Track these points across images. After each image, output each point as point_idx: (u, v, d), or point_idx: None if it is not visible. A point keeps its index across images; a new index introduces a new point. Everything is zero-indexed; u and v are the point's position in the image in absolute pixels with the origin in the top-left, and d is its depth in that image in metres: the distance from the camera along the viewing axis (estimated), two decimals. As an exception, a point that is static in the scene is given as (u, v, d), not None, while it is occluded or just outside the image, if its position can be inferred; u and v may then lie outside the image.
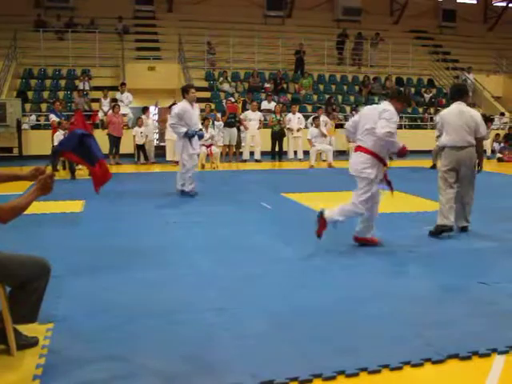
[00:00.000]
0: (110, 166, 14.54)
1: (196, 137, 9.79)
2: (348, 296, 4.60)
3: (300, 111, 19.60)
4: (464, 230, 7.05)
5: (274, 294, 4.66)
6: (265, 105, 19.14)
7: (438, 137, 7.24)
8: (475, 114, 7.12)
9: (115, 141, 15.77)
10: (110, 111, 16.39)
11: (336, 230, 6.12)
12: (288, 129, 17.26)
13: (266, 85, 21.42)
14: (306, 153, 16.05)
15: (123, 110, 18.36)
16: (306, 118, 18.14)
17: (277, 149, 17.30)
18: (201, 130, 10.33)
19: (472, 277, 5.12)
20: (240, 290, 4.77)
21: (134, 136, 16.18)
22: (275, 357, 3.50)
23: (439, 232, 6.79)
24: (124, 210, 8.58)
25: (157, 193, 10.48)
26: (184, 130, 9.61)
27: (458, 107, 7.01)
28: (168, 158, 15.73)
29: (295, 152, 17.42)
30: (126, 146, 16.41)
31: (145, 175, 13.85)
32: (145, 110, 17.16)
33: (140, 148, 16.33)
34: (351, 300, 4.51)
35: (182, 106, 9.82)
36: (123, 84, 18.83)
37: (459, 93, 7.23)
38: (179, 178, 9.95)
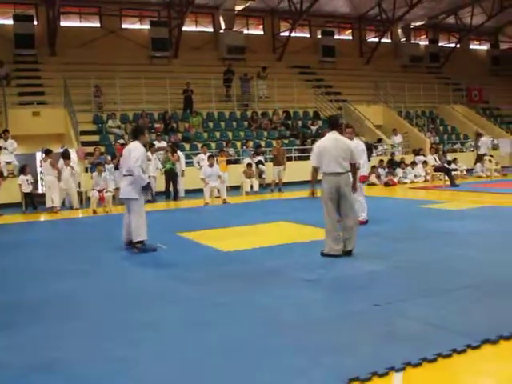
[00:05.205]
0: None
1: None
2: (248, 331, 4.60)
3: (191, 149, 19.95)
4: (348, 253, 7.30)
5: (175, 336, 4.58)
6: (156, 145, 19.04)
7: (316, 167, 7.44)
8: (349, 142, 7.72)
9: None
10: None
11: (237, 267, 6.11)
12: None
13: (156, 125, 21.35)
14: (200, 190, 16.05)
15: (7, 157, 17.65)
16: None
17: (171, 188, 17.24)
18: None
19: (366, 300, 5.30)
20: (139, 335, 4.64)
21: (20, 184, 15.52)
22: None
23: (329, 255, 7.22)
24: (8, 262, 8.16)
25: (47, 242, 10.06)
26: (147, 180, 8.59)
27: (333, 136, 7.49)
28: (48, 204, 15.15)
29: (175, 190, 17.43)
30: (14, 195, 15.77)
31: (33, 224, 13.25)
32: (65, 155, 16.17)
33: (28, 196, 15.66)
34: (251, 335, 4.51)
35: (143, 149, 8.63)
36: (6, 131, 18.08)
37: (335, 123, 7.77)
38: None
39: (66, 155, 16.12)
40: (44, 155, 15.87)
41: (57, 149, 18.44)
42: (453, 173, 18.59)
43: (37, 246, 9.58)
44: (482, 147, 23.22)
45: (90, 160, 17.37)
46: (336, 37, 31.40)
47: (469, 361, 3.86)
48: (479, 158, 22.71)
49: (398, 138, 24.43)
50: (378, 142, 24.17)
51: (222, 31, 28.22)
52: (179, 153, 17.85)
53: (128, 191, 8.44)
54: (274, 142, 20.52)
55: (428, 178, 20.29)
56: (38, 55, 24.09)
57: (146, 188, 8.47)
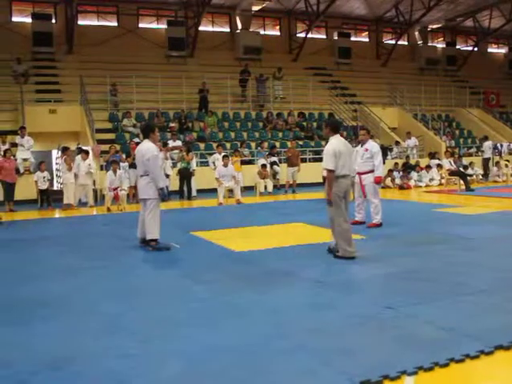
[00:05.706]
0: (5, 213, 13.83)
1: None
2: (258, 331, 4.60)
3: (206, 149, 20.06)
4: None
5: (186, 335, 4.59)
6: (171, 144, 19.12)
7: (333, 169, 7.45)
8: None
9: (9, 187, 15.06)
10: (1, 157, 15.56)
11: (249, 267, 6.12)
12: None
13: (171, 124, 21.42)
14: (213, 190, 16.09)
15: (24, 154, 17.79)
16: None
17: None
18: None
19: (378, 303, 5.28)
20: (150, 333, 4.66)
21: (36, 181, 15.65)
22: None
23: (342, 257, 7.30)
24: (21, 258, 8.23)
25: (61, 239, 10.13)
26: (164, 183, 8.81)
27: (342, 140, 7.71)
28: (65, 201, 15.26)
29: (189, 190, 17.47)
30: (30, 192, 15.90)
31: (48, 221, 13.35)
32: (83, 150, 16.35)
33: (43, 193, 15.78)
34: (261, 335, 4.51)
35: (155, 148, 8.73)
36: (23, 128, 18.21)
37: (338, 127, 7.91)
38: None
39: (83, 149, 16.27)
40: (61, 153, 16.01)
41: (73, 146, 18.58)
42: (468, 177, 18.47)
43: (51, 243, 9.64)
44: (486, 151, 23.03)
45: (106, 158, 17.46)
46: (352, 38, 31.36)
47: (482, 366, 3.84)
48: (485, 163, 22.52)
49: (411, 142, 24.26)
50: (395, 144, 24.03)
51: (238, 31, 28.29)
52: (190, 154, 17.88)
53: (145, 191, 8.56)
54: (289, 143, 20.53)
55: (443, 181, 20.17)
56: (56, 53, 24.31)
57: (162, 189, 8.57)
